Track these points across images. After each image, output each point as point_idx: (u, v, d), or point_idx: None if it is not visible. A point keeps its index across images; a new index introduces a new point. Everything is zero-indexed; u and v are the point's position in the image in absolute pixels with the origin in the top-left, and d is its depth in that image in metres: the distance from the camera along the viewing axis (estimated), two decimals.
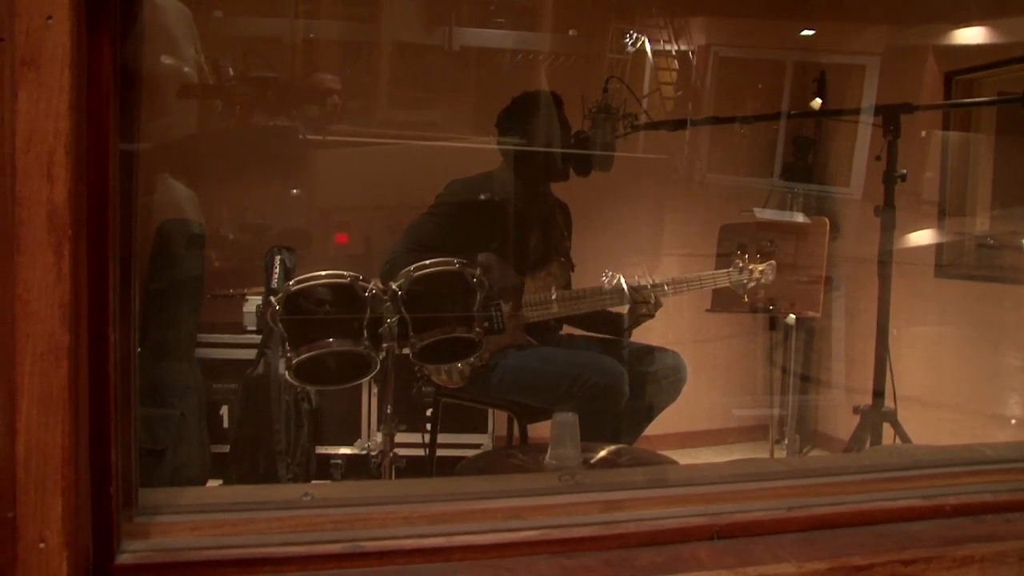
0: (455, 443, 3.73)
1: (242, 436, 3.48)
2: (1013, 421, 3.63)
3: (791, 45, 4.56)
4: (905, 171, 3.11)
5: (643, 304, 2.86)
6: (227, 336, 3.73)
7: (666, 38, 4.40)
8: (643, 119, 3.22)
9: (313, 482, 3.60)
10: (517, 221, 2.94)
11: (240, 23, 3.82)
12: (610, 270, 2.90)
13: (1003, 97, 4.19)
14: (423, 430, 3.32)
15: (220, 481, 3.50)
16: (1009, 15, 3.82)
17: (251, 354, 3.59)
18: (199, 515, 1.18)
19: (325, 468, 3.71)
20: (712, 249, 3.31)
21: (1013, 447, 1.72)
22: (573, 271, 3.05)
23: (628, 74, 4.04)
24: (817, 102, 4.30)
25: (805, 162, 4.65)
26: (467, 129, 4.10)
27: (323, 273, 2.28)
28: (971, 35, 4.09)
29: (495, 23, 4.21)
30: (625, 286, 2.86)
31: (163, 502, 1.20)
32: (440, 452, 3.19)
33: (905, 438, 3.05)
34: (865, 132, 4.16)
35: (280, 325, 2.23)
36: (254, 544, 1.14)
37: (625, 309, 2.90)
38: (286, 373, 2.27)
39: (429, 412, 3.35)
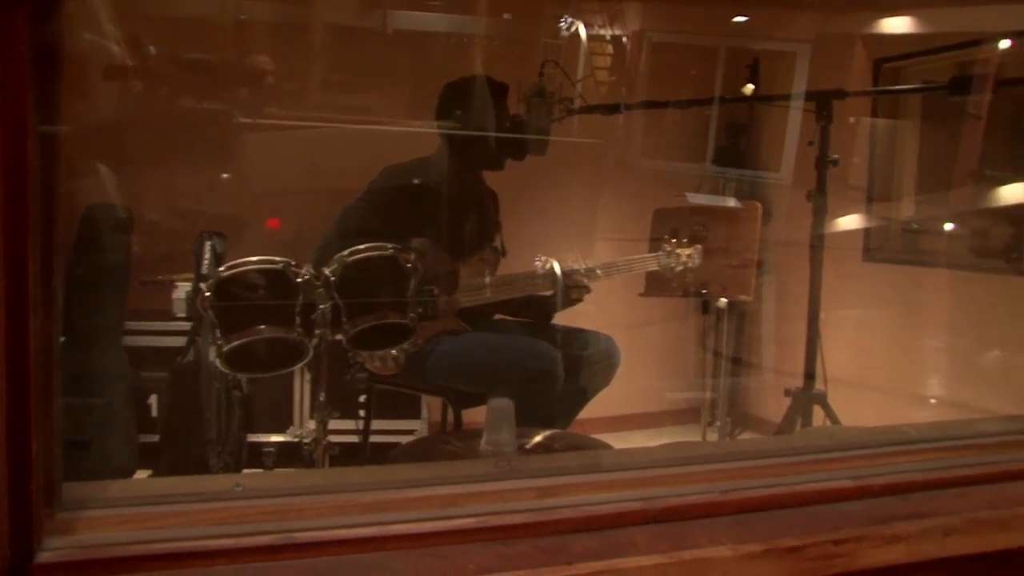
0: (389, 429, 3.71)
1: (172, 425, 3.42)
2: (933, 400, 3.72)
3: (724, 31, 4.59)
4: (837, 156, 3.16)
5: (575, 288, 2.87)
6: (156, 323, 3.66)
7: (600, 23, 4.40)
8: (578, 103, 3.23)
9: (245, 471, 3.56)
10: (451, 207, 2.93)
11: (168, 1, 3.73)
12: (543, 255, 2.90)
13: (929, 84, 4.29)
14: (357, 417, 3.29)
15: (149, 472, 3.44)
16: (934, 5, 3.90)
17: (181, 341, 3.52)
18: (126, 508, 1.14)
19: (257, 456, 3.66)
20: (646, 234, 3.34)
21: (936, 427, 1.76)
22: (504, 256, 3.05)
23: (563, 59, 4.04)
24: (749, 88, 4.34)
25: (737, 147, 4.70)
26: (402, 113, 4.07)
27: (254, 259, 2.24)
28: (898, 24, 4.16)
29: (430, 6, 4.17)
30: (558, 271, 2.86)
31: (88, 496, 1.16)
32: (374, 439, 3.17)
33: (835, 420, 3.11)
34: (796, 118, 4.22)
35: (210, 312, 2.19)
36: (183, 537, 1.11)
37: (552, 293, 2.90)
38: (217, 361, 2.23)
39: (363, 399, 3.32)
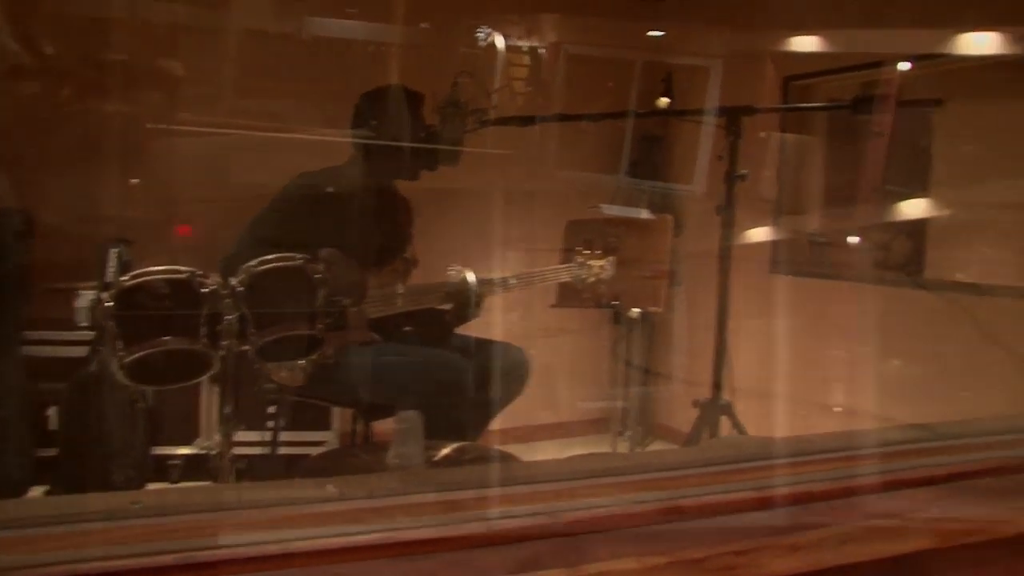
0: (298, 441, 3.65)
1: (72, 439, 3.32)
2: (837, 409, 3.82)
3: (640, 45, 4.66)
4: (746, 171, 3.23)
5: (479, 297, 2.87)
6: (58, 333, 3.55)
7: (518, 34, 4.42)
8: (493, 114, 3.23)
9: (148, 486, 3.47)
10: (363, 216, 2.90)
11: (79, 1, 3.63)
12: (457, 265, 2.89)
13: (834, 103, 4.41)
14: (265, 429, 3.23)
15: (47, 487, 3.33)
16: (840, 26, 4.01)
17: (83, 351, 3.42)
18: (12, 531, 1.10)
19: (162, 470, 3.57)
20: (559, 244, 3.36)
21: (838, 436, 1.80)
22: (416, 267, 3.03)
23: (479, 69, 4.05)
24: (664, 101, 4.41)
25: (651, 160, 4.76)
26: (316, 121, 4.02)
27: (159, 268, 2.19)
28: (807, 43, 4.27)
29: (348, 13, 4.14)
30: (472, 280, 2.86)
31: None
32: (283, 451, 3.12)
33: (741, 430, 3.17)
34: (708, 132, 4.29)
35: (111, 323, 2.13)
36: (76, 559, 1.07)
37: (451, 308, 2.89)
38: (118, 373, 2.16)
39: (271, 410, 3.26)
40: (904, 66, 3.79)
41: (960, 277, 3.70)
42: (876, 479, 1.54)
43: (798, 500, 1.47)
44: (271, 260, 2.24)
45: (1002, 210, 3.44)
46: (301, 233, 2.70)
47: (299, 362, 2.59)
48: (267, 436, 3.11)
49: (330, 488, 1.24)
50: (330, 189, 2.89)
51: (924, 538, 1.40)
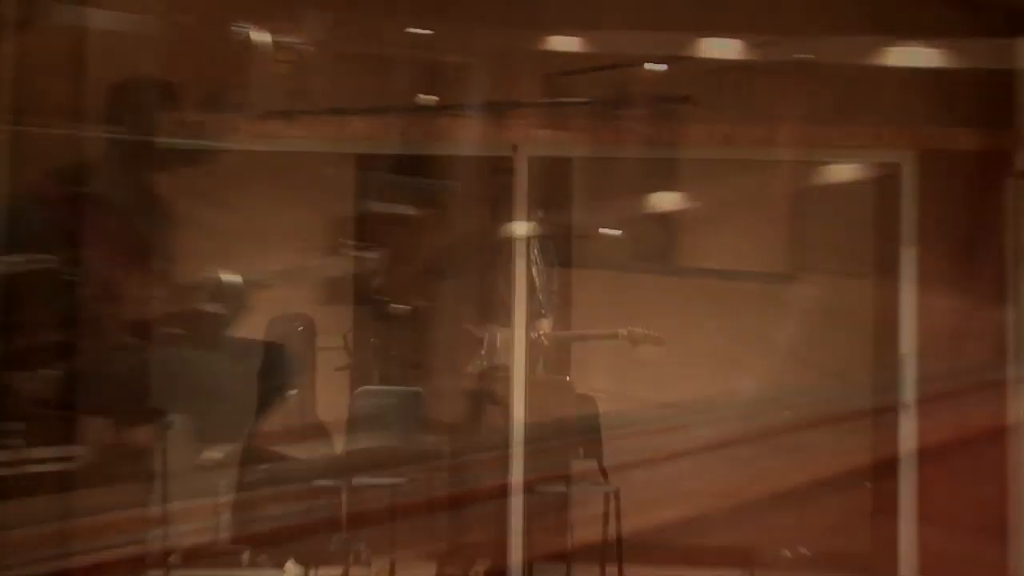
0: (48, 457, 3.42)
1: None
2: (600, 394, 4.01)
3: (406, 42, 4.68)
4: (512, 166, 3.32)
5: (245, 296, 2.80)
6: None
7: (281, 30, 4.34)
8: (254, 110, 3.17)
9: None
10: (117, 214, 2.76)
11: None
12: (219, 264, 2.80)
13: (595, 99, 4.61)
14: (9, 447, 3.01)
15: None
16: (600, 27, 4.21)
17: None
18: None
19: None
20: (326, 241, 3.33)
21: (600, 417, 1.89)
22: (175, 266, 2.92)
23: (240, 64, 3.96)
24: (428, 98, 4.45)
25: (419, 156, 4.79)
26: (65, 115, 3.79)
27: None
28: (568, 43, 4.45)
29: (104, 3, 3.93)
30: (234, 280, 2.78)
31: None
32: (32, 468, 2.91)
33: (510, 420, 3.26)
34: (473, 127, 4.37)
35: None
36: None
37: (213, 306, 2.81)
38: None
39: (16, 426, 3.04)
40: (657, 67, 4.03)
41: (708, 264, 3.97)
42: (634, 456, 1.64)
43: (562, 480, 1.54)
44: (18, 262, 2.10)
45: (744, 204, 3.73)
46: (50, 233, 2.53)
47: (47, 371, 2.43)
48: (11, 455, 2.88)
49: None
50: (80, 186, 2.73)
51: (683, 506, 1.50)
